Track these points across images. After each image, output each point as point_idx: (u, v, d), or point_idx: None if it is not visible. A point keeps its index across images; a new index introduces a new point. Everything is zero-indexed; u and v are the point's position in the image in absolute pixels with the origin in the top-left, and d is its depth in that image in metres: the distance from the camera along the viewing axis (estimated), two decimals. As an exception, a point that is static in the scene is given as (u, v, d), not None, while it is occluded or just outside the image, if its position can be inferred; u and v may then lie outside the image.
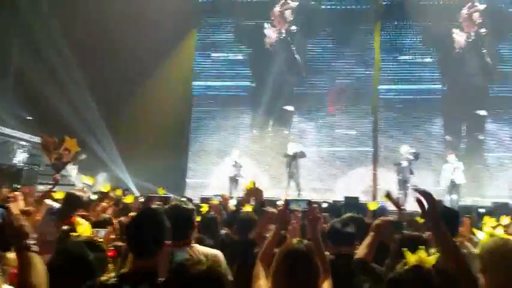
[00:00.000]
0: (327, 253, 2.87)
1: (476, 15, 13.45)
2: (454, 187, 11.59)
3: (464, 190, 11.94)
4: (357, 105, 13.72)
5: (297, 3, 13.98)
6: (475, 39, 13.45)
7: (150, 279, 2.14)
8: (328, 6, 14.09)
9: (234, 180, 12.29)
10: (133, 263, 2.33)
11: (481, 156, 13.21)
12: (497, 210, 8.02)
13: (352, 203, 8.35)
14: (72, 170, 10.02)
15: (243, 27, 14.16)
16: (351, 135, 13.62)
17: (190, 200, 6.25)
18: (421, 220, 2.86)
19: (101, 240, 2.63)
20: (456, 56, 13.53)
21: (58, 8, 12.35)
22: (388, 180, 12.15)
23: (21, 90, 12.04)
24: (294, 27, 13.89)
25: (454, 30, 13.54)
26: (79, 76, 11.96)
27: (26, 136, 11.48)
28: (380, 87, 13.78)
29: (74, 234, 2.48)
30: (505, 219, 4.87)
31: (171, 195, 7.28)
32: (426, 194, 2.17)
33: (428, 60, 13.83)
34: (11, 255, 2.39)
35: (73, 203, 4.10)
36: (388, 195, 4.12)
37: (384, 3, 14.19)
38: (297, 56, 13.78)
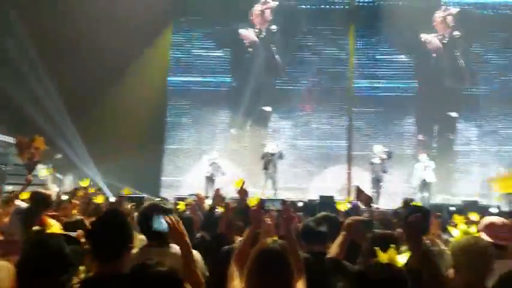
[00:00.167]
0: (300, 252, 2.89)
1: (450, 18, 13.77)
2: (425, 186, 11.86)
3: (435, 188, 12.23)
4: (332, 104, 13.86)
5: (277, 3, 14.00)
6: (448, 41, 13.77)
7: (115, 283, 2.09)
8: (308, 6, 14.13)
9: (210, 180, 12.25)
10: (98, 267, 2.26)
11: (452, 155, 13.55)
12: (467, 209, 8.23)
13: (326, 202, 8.43)
14: (41, 169, 9.77)
15: (220, 27, 14.07)
16: (327, 134, 13.75)
17: (165, 199, 6.18)
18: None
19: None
20: (429, 58, 13.82)
21: (24, 8, 11.97)
22: (363, 179, 12.32)
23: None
24: (274, 27, 13.93)
25: (426, 33, 13.81)
26: (46, 77, 11.59)
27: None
28: (355, 85, 13.92)
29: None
30: (473, 216, 5.03)
31: (145, 195, 7.18)
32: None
33: (403, 59, 14.05)
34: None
35: (40, 202, 4.02)
36: (357, 192, 4.18)
37: (359, 4, 14.31)
38: (276, 56, 13.81)
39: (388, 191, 11.88)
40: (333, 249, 2.88)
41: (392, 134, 13.60)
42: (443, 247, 3.55)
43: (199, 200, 4.94)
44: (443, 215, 7.19)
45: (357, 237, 3.00)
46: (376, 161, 11.83)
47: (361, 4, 14.30)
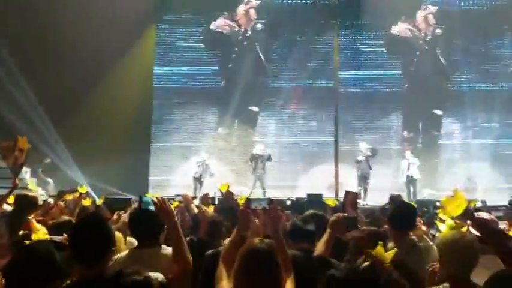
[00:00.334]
0: (289, 250, 2.89)
1: (431, 17, 13.92)
2: (411, 182, 12.09)
3: (421, 184, 12.48)
4: (318, 101, 13.89)
5: (259, 2, 13.99)
6: (431, 39, 13.93)
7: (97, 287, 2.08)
8: (290, 1, 14.13)
9: (198, 181, 12.22)
10: (81, 272, 2.22)
11: (437, 150, 13.73)
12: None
13: (314, 200, 8.45)
14: (26, 172, 9.62)
15: (205, 27, 14.00)
16: (314, 131, 13.78)
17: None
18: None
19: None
20: (414, 57, 13.95)
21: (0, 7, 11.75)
22: (349, 176, 12.42)
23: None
24: (259, 26, 13.91)
25: (410, 30, 13.95)
26: (25, 80, 11.27)
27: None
28: (341, 80, 13.97)
29: (28, 242, 2.40)
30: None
31: (132, 197, 7.12)
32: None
33: (386, 52, 14.13)
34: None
35: (26, 205, 3.96)
36: (346, 195, 4.21)
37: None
38: (261, 55, 13.80)
39: (376, 187, 11.99)
40: (319, 247, 2.89)
41: (379, 130, 13.72)
42: (430, 243, 3.59)
43: (186, 200, 4.90)
44: (430, 210, 7.27)
45: (341, 234, 3.02)
46: (361, 158, 11.97)
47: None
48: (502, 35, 14.01)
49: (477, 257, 2.24)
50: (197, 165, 12.39)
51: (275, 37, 14.02)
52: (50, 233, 3.58)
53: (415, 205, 4.17)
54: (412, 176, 12.08)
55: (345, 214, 3.37)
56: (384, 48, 14.09)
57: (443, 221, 3.84)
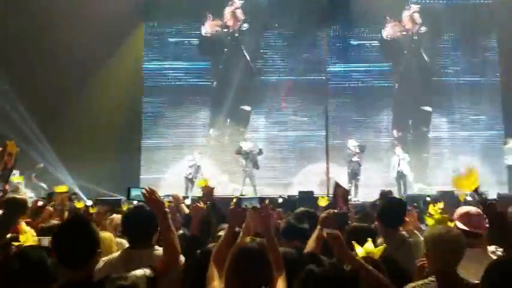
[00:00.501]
0: (281, 248, 2.90)
1: (416, 15, 14.03)
2: (401, 177, 12.22)
3: (412, 179, 12.64)
4: (310, 97, 13.89)
5: (242, 1, 13.93)
6: (418, 38, 14.04)
7: None
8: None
9: (190, 181, 12.21)
10: (68, 276, 2.20)
11: (426, 145, 13.86)
12: (443, 198, 8.38)
13: (306, 197, 8.49)
14: (13, 175, 9.49)
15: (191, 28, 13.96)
16: (305, 128, 13.80)
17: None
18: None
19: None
20: (402, 56, 14.05)
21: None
22: (341, 173, 12.48)
23: None
24: (245, 25, 13.88)
25: (399, 31, 14.07)
26: (8, 83, 11.07)
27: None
28: (330, 75, 13.99)
29: (16, 244, 2.38)
30: (440, 205, 5.15)
31: (122, 198, 7.07)
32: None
33: (377, 44, 14.18)
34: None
35: (15, 208, 3.93)
36: (335, 187, 4.23)
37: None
38: (246, 54, 13.76)
39: (367, 183, 12.06)
40: (310, 244, 2.91)
41: (369, 126, 13.79)
42: (421, 238, 3.62)
43: (176, 200, 4.88)
44: (420, 205, 7.34)
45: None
46: (351, 155, 12.07)
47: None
48: (489, 31, 14.12)
49: (463, 251, 2.27)
50: (189, 166, 12.36)
51: (263, 34, 13.96)
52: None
53: (405, 200, 4.22)
54: (402, 172, 12.23)
55: (335, 211, 3.39)
56: (374, 42, 14.13)
57: (432, 216, 3.88)
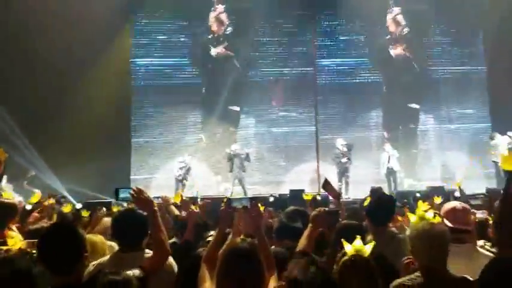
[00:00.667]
0: (273, 248, 2.91)
1: (400, 17, 14.14)
2: (391, 174, 12.32)
3: (401, 175, 12.79)
4: (299, 95, 13.94)
5: (224, 6, 13.84)
6: (401, 38, 14.16)
7: None
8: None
9: (180, 182, 12.19)
10: (53, 281, 2.18)
11: (415, 141, 13.98)
12: (432, 194, 8.46)
13: (296, 195, 8.50)
14: (1, 181, 9.38)
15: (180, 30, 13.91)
16: (295, 127, 13.81)
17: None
18: None
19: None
20: (388, 56, 14.19)
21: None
22: (331, 170, 12.53)
23: None
24: (229, 29, 13.82)
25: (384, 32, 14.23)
26: None
27: None
28: (320, 70, 14.03)
29: (4, 248, 2.36)
30: (437, 201, 5.22)
31: (112, 200, 7.01)
32: None
33: (362, 40, 14.26)
34: None
35: (3, 214, 3.88)
36: (325, 185, 4.24)
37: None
38: (234, 58, 13.74)
39: (357, 180, 12.12)
40: (301, 242, 2.91)
41: (358, 123, 13.86)
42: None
43: (165, 202, 4.87)
44: (410, 201, 7.40)
45: (323, 229, 3.04)
46: (339, 155, 12.14)
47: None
48: (475, 24, 14.24)
49: (446, 246, 2.29)
50: (179, 168, 12.34)
51: (249, 34, 13.82)
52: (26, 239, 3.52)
53: (395, 197, 4.24)
54: (392, 168, 12.34)
55: (326, 209, 3.40)
56: (362, 36, 14.19)
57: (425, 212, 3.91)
